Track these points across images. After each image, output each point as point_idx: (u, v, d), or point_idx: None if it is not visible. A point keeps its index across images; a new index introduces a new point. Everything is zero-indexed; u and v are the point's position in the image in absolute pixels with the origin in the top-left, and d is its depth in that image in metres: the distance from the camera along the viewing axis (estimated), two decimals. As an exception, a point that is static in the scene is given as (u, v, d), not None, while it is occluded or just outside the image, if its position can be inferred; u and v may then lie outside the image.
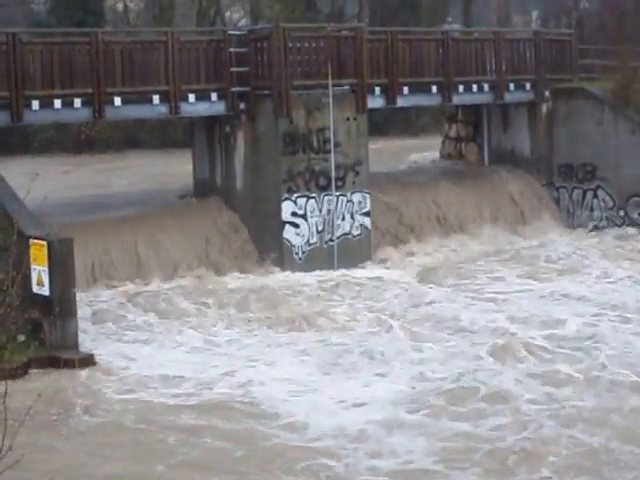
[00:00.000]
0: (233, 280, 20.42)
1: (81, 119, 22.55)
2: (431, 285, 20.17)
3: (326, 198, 21.76)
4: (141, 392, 13.88)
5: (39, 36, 24.76)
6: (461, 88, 25.15)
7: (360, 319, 17.58)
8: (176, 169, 28.85)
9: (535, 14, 53.89)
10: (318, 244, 21.64)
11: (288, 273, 20.95)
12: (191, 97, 21.20)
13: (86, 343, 15.88)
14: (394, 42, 23.67)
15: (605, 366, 14.34)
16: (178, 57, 20.92)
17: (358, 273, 21.06)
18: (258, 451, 11.73)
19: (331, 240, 21.75)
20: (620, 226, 25.44)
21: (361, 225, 22.21)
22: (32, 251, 15.36)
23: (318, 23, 38.07)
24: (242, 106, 21.75)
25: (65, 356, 14.97)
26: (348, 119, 22.10)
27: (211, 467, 11.35)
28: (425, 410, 12.85)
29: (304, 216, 21.52)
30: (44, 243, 15.29)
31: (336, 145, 21.85)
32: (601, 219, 25.79)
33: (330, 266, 21.41)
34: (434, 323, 17.19)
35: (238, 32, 23.39)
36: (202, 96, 21.41)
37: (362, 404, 13.22)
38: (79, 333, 15.66)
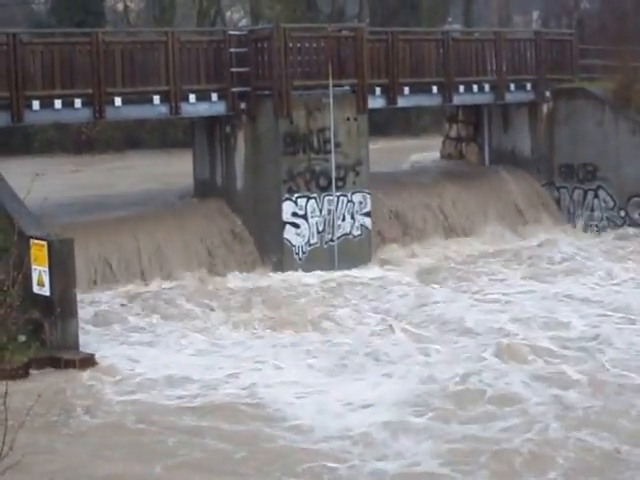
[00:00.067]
0: (233, 280, 20.37)
1: (81, 119, 22.49)
2: (433, 285, 20.12)
3: (326, 198, 21.67)
4: (143, 393, 13.80)
5: (39, 36, 24.71)
6: (462, 88, 25.08)
7: (364, 320, 17.50)
8: (176, 169, 28.75)
9: (536, 14, 53.92)
10: (318, 244, 21.55)
11: (288, 273, 20.86)
12: (191, 97, 21.14)
13: (89, 345, 15.77)
14: (394, 42, 23.60)
15: (610, 368, 14.29)
16: (178, 57, 20.86)
17: (359, 273, 21.00)
18: (260, 453, 11.65)
19: (331, 240, 21.66)
20: (621, 226, 25.39)
21: (362, 225, 22.13)
22: (33, 251, 15.32)
23: (318, 23, 38.09)
24: (242, 106, 21.68)
25: (66, 357, 14.92)
26: (349, 119, 22.03)
27: (210, 468, 11.28)
28: (431, 412, 12.77)
29: (304, 216, 21.43)
30: (45, 243, 15.25)
31: (337, 145, 21.77)
32: (602, 219, 25.72)
33: (330, 266, 21.32)
34: (439, 324, 17.12)
35: (238, 32, 23.32)
36: (202, 96, 21.35)
37: (368, 406, 13.13)
38: (81, 334, 15.58)
